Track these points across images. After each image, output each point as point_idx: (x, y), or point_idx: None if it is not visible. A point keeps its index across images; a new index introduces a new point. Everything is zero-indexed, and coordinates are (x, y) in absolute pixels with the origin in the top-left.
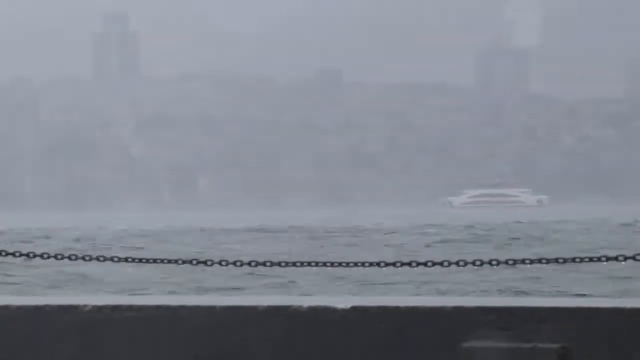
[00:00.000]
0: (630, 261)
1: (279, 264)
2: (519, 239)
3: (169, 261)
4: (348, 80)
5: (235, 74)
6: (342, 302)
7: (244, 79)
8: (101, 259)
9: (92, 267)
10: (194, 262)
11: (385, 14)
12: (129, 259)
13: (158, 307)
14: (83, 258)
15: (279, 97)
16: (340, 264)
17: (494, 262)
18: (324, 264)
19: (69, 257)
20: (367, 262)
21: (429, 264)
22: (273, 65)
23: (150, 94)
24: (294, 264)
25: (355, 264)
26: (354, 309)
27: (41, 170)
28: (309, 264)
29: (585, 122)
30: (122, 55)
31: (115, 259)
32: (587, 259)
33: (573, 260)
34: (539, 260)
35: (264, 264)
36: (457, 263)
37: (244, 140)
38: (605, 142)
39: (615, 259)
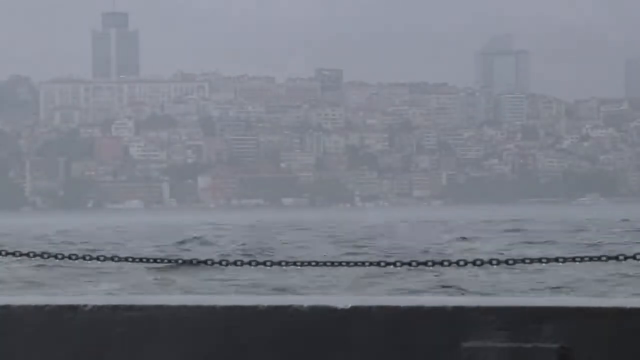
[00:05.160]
0: (630, 260)
1: (279, 263)
2: None
3: (169, 260)
4: (348, 80)
5: (236, 74)
6: (342, 302)
7: (244, 79)
8: (102, 258)
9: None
10: (194, 261)
11: (386, 14)
12: (129, 259)
13: (159, 307)
14: (84, 257)
15: (279, 97)
16: (340, 264)
17: (494, 262)
18: (324, 264)
19: (69, 257)
20: (367, 261)
21: (429, 263)
22: (273, 65)
23: (150, 94)
24: (294, 264)
25: (355, 264)
26: (354, 309)
27: (41, 170)
28: (309, 263)
29: (585, 122)
30: (122, 55)
31: (116, 259)
32: (587, 258)
33: (573, 259)
34: (539, 260)
35: (264, 263)
36: (457, 262)
37: (244, 140)
38: (605, 142)
39: (616, 258)
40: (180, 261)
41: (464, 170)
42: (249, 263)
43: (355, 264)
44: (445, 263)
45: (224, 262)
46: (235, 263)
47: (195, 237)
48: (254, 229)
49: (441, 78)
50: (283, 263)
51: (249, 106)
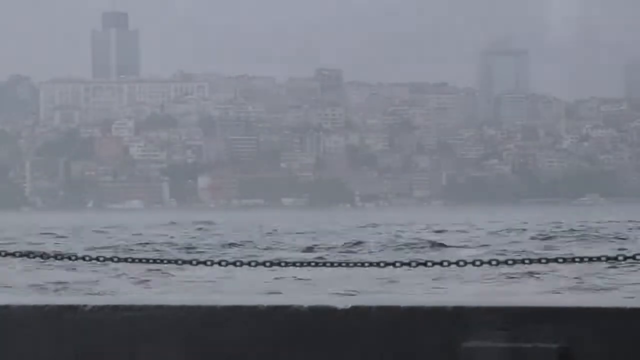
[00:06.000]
0: (630, 260)
1: (279, 263)
2: None
3: (169, 261)
4: (348, 80)
5: (235, 74)
6: (342, 302)
7: (244, 79)
8: (101, 259)
9: None
10: (194, 262)
11: (386, 13)
12: (129, 259)
13: (158, 307)
14: (83, 258)
15: (279, 97)
16: (340, 264)
17: (493, 262)
18: (324, 264)
19: (69, 258)
20: (367, 262)
21: (429, 263)
22: (273, 65)
23: (150, 94)
24: (293, 264)
25: (355, 264)
26: (354, 309)
27: (41, 170)
28: (309, 263)
29: (585, 122)
30: (122, 55)
31: (115, 259)
32: (586, 259)
33: (573, 260)
34: (539, 260)
35: (263, 263)
36: (457, 263)
37: (244, 140)
38: (605, 142)
39: (615, 258)
40: (180, 262)
41: (464, 170)
42: (249, 263)
43: (355, 264)
44: (445, 263)
45: (223, 263)
46: (234, 264)
47: None
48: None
49: (441, 78)
50: (282, 263)
51: (249, 106)
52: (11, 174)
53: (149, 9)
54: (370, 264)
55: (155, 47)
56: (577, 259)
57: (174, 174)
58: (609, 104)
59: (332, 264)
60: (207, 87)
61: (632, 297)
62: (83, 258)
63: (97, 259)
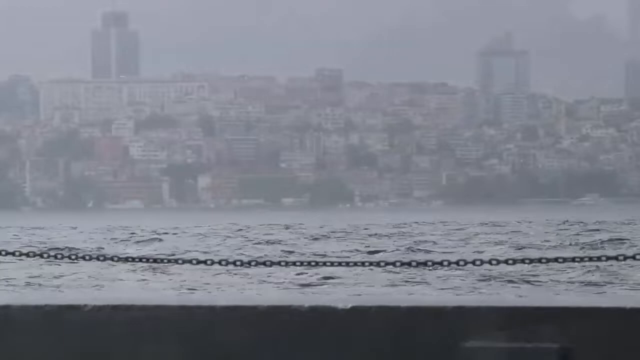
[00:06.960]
0: (630, 260)
1: (279, 263)
2: None
3: (169, 261)
4: (348, 80)
5: (235, 74)
6: (342, 302)
7: (244, 79)
8: (101, 258)
9: None
10: (194, 261)
11: (385, 13)
12: (129, 259)
13: (159, 307)
14: (83, 258)
15: (279, 97)
16: (340, 264)
17: (493, 262)
18: (324, 264)
19: (69, 257)
20: (367, 261)
21: (429, 263)
22: (273, 65)
23: (150, 94)
24: (294, 264)
25: (355, 264)
26: (354, 309)
27: (41, 170)
28: (309, 263)
29: (585, 122)
30: (122, 55)
31: (116, 259)
32: (587, 259)
33: (573, 260)
34: (539, 260)
35: (264, 263)
36: (457, 263)
37: (244, 140)
38: (605, 142)
39: (616, 258)
40: (180, 261)
41: (464, 170)
42: (248, 263)
43: (355, 264)
44: (445, 263)
45: (223, 262)
46: (234, 263)
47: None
48: None
49: (441, 78)
50: (282, 263)
51: (249, 106)
52: (11, 174)
53: (149, 9)
54: (370, 264)
55: (155, 47)
56: (577, 259)
57: (174, 174)
58: (609, 104)
59: (332, 264)
60: (207, 87)
61: (632, 297)
62: (83, 257)
63: (97, 258)
